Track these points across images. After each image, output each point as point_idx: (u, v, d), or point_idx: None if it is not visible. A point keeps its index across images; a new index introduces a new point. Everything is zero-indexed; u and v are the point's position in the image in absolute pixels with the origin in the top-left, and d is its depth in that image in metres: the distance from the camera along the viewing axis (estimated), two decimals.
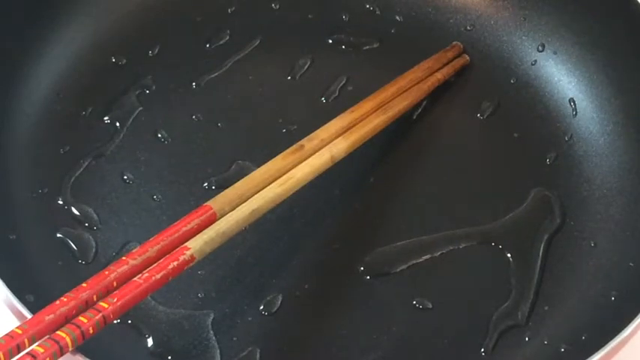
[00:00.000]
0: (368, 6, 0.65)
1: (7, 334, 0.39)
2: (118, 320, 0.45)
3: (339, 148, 0.53)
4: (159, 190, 0.56)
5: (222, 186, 0.51)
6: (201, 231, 0.46)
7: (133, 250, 0.45)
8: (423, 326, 0.52)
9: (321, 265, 0.54)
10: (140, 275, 0.44)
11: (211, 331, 0.51)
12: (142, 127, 0.59)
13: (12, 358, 0.39)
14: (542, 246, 0.55)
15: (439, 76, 0.61)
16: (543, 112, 0.61)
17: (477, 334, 0.52)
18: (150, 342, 0.50)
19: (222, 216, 0.48)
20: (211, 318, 0.51)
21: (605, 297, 0.52)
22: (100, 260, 0.53)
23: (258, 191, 0.49)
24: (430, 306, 0.53)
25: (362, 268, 0.54)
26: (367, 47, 0.63)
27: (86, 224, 0.54)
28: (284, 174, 0.51)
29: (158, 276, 0.44)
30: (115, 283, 0.43)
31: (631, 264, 0.52)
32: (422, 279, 0.53)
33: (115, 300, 0.42)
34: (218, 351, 0.50)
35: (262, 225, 0.52)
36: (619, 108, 0.58)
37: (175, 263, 0.44)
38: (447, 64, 0.62)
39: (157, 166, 0.57)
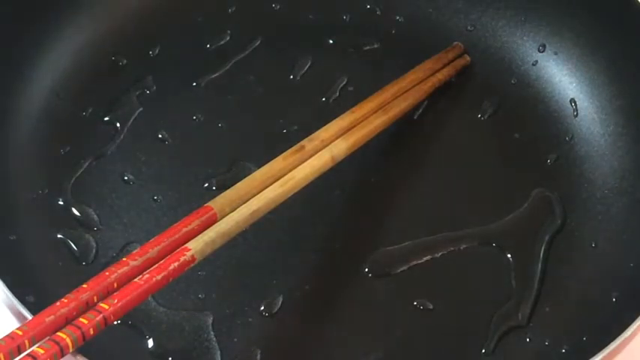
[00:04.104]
0: (368, 6, 0.65)
1: (7, 335, 0.39)
2: (119, 321, 0.45)
3: (340, 148, 0.53)
4: (159, 191, 0.56)
5: (223, 186, 0.51)
6: (201, 232, 0.46)
7: (134, 251, 0.45)
8: (424, 327, 0.52)
9: (322, 266, 0.54)
10: (141, 276, 0.43)
11: (212, 332, 0.51)
12: (142, 128, 0.59)
13: (12, 359, 0.39)
14: (543, 247, 0.55)
15: (440, 76, 0.61)
16: (544, 112, 0.61)
17: (478, 335, 0.52)
18: (150, 343, 0.50)
19: (222, 217, 0.48)
20: (212, 319, 0.51)
21: (606, 298, 0.52)
22: (100, 261, 0.53)
23: (259, 192, 0.49)
24: (431, 307, 0.53)
25: (362, 269, 0.54)
26: (368, 47, 0.63)
27: (86, 225, 0.54)
28: (285, 175, 0.51)
29: (159, 277, 0.44)
30: (115, 284, 0.43)
31: (631, 264, 0.52)
32: (423, 280, 0.53)
33: (116, 301, 0.42)
34: (218, 352, 0.50)
35: (263, 226, 0.52)
36: (620, 108, 0.58)
37: (176, 264, 0.44)
38: (448, 64, 0.62)
39: (157, 166, 0.57)
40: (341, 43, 0.64)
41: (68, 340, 0.40)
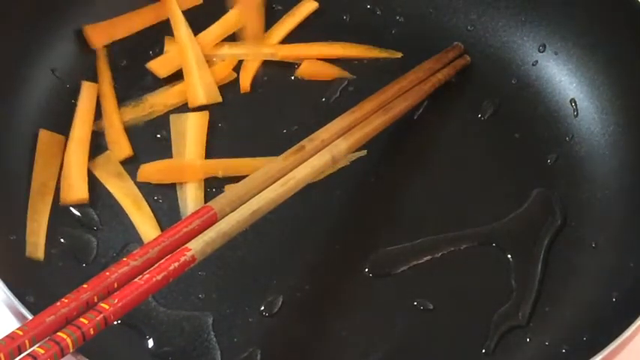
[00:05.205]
0: (368, 6, 0.65)
1: (7, 336, 0.39)
2: (119, 321, 0.45)
3: (340, 148, 0.53)
4: (159, 191, 0.56)
5: (223, 187, 0.51)
6: (202, 232, 0.46)
7: (134, 251, 0.45)
8: (424, 327, 0.52)
9: (322, 266, 0.54)
10: (141, 276, 0.43)
11: (212, 332, 0.51)
12: (142, 128, 0.59)
13: (13, 359, 0.39)
14: (544, 247, 0.55)
15: (440, 76, 0.61)
16: (544, 112, 0.61)
17: (478, 334, 0.52)
18: (150, 343, 0.50)
19: (223, 217, 0.48)
20: (212, 319, 0.51)
21: (606, 298, 0.52)
22: (100, 261, 0.53)
23: (259, 192, 0.49)
24: (431, 307, 0.53)
25: (363, 269, 0.53)
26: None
27: (87, 225, 0.54)
28: (285, 175, 0.51)
29: (159, 277, 0.44)
30: (115, 284, 0.43)
31: (631, 264, 0.52)
32: (423, 280, 0.53)
33: (116, 301, 0.42)
34: (219, 352, 0.50)
35: (263, 226, 0.52)
36: (620, 109, 0.58)
37: (176, 264, 0.44)
38: (448, 64, 0.62)
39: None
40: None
41: (68, 340, 0.40)
